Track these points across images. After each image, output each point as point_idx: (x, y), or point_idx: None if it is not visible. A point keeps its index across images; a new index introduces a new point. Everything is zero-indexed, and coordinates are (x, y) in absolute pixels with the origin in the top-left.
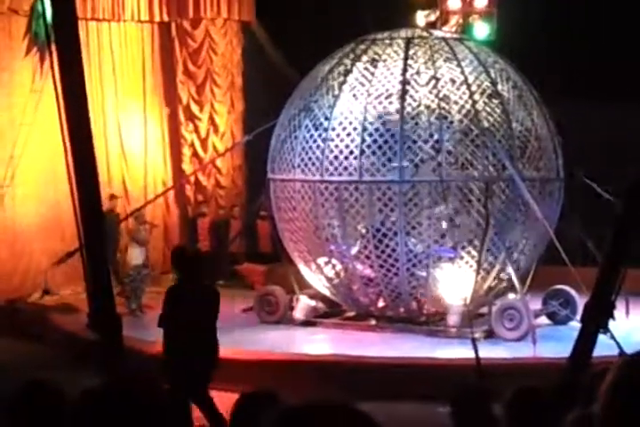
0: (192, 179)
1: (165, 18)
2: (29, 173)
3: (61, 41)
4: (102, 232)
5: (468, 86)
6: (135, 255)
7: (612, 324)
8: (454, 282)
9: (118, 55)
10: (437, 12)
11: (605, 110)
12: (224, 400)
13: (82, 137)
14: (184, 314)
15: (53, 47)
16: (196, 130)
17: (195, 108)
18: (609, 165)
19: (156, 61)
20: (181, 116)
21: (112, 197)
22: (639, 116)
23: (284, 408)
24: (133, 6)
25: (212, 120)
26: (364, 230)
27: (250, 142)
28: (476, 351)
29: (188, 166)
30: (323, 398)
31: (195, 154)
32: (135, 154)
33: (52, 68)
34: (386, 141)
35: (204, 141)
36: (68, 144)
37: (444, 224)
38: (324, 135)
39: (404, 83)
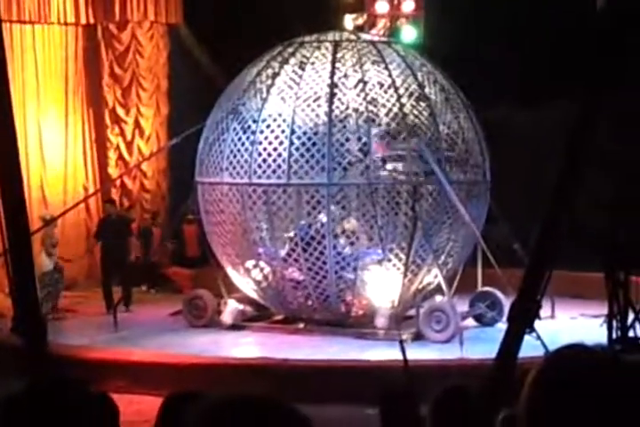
0: (117, 183)
1: (92, 20)
2: None
3: None
4: (27, 236)
5: (396, 89)
6: (46, 262)
7: (538, 324)
8: (382, 284)
9: (41, 58)
10: (365, 16)
11: (531, 112)
12: (151, 405)
13: (6, 140)
14: None
15: None
16: (122, 133)
17: (120, 112)
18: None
19: (80, 64)
20: (107, 120)
21: (108, 201)
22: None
23: (208, 403)
24: (60, 8)
25: (137, 123)
26: (292, 233)
27: (174, 146)
28: (404, 353)
29: (113, 170)
30: (248, 394)
31: (120, 157)
32: (55, 158)
33: None
34: (314, 144)
35: (129, 145)
36: None
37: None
38: (252, 138)
39: (332, 86)
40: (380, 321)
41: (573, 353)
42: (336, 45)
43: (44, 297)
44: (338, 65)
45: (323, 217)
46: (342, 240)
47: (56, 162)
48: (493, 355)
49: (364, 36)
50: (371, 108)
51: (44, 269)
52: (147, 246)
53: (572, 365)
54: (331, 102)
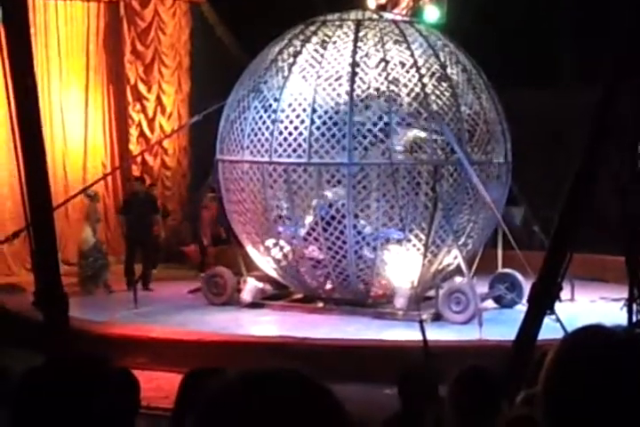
0: (138, 160)
1: None
2: None
3: (9, 20)
4: (50, 211)
5: (418, 69)
6: (90, 235)
7: (557, 306)
8: (402, 265)
9: (64, 34)
10: None
11: (554, 94)
12: (171, 381)
13: (31, 117)
14: None
15: (1, 26)
16: (144, 110)
17: (142, 88)
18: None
19: (102, 41)
20: (129, 97)
21: (138, 178)
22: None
23: (229, 378)
24: None
25: (159, 100)
26: (312, 212)
27: (195, 124)
28: (423, 334)
29: (134, 147)
30: (270, 368)
31: (142, 134)
32: (75, 134)
33: None
34: (335, 123)
35: (151, 122)
36: (15, 124)
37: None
38: (273, 117)
39: (354, 65)
40: (400, 301)
41: (592, 333)
42: (358, 24)
43: (97, 271)
44: (360, 44)
45: (340, 191)
46: (362, 220)
47: (76, 138)
48: (512, 337)
49: (387, 15)
50: (392, 87)
51: (90, 244)
52: (195, 229)
53: (590, 345)
54: (352, 82)
